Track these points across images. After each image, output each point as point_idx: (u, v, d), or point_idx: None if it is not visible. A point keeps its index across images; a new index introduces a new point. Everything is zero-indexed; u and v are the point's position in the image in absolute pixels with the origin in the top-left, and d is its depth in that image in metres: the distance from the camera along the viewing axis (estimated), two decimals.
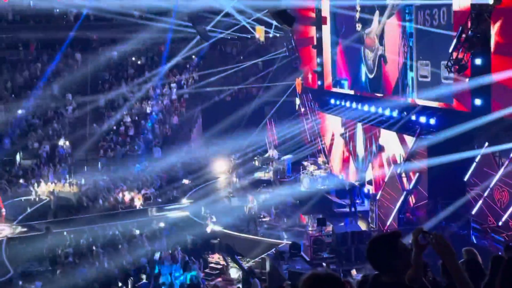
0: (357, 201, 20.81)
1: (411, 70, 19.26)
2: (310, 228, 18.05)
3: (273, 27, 28.20)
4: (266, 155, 26.58)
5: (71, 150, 28.44)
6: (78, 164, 27.76)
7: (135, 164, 27.22)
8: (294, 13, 22.80)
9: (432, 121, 17.52)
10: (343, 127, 24.25)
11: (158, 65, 32.53)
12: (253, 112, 29.98)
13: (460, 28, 14.87)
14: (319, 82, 26.09)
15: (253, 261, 18.15)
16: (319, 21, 25.40)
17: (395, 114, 19.77)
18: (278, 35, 30.87)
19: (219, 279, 17.25)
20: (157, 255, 17.60)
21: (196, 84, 32.75)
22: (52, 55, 32.47)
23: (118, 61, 33.81)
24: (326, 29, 25.20)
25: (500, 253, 7.70)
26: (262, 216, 20.73)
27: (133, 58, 34.33)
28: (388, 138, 20.35)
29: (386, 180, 18.58)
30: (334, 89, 25.31)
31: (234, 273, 17.74)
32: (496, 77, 14.74)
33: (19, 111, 30.08)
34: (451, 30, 16.36)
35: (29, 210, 23.53)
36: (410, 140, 18.32)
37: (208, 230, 19.97)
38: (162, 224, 20.84)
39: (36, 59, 33.00)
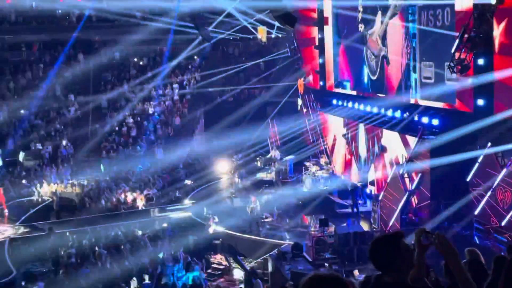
0: (360, 201, 20.81)
1: (414, 71, 19.16)
2: (312, 229, 18.05)
3: (275, 27, 28.22)
4: (268, 155, 26.58)
5: (74, 151, 28.48)
6: (80, 165, 27.80)
7: (137, 164, 27.24)
8: (296, 13, 22.79)
9: (435, 122, 17.51)
10: (345, 127, 24.24)
11: (160, 66, 32.56)
12: (255, 112, 29.98)
13: (463, 28, 14.86)
14: (321, 83, 26.09)
15: (255, 261, 18.14)
16: (321, 22, 25.40)
17: (397, 114, 19.76)
18: (280, 35, 30.91)
19: (222, 279, 17.24)
20: (159, 256, 17.61)
21: (198, 84, 32.77)
22: (54, 56, 32.55)
23: (120, 62, 33.88)
24: (328, 29, 25.20)
25: (502, 253, 7.70)
26: (264, 217, 20.72)
27: (135, 59, 34.38)
28: (390, 138, 20.34)
29: (388, 180, 18.56)
30: (336, 90, 25.30)
31: (237, 273, 17.72)
32: (498, 75, 14.72)
33: (22, 112, 30.15)
34: (455, 31, 16.31)
35: (31, 210, 23.56)
36: (412, 140, 18.30)
37: (211, 230, 19.97)
38: (164, 225, 20.84)
39: (39, 60, 33.08)
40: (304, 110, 27.88)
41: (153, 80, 32.02)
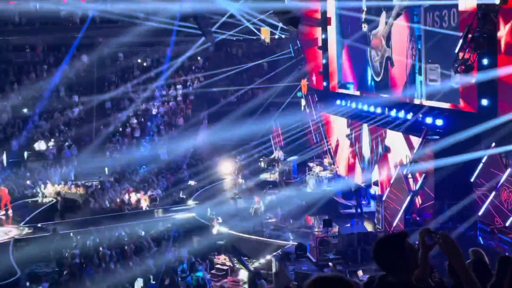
0: (363, 202, 20.77)
1: (420, 73, 19.00)
2: (316, 229, 18.04)
3: (279, 28, 28.23)
4: (272, 156, 26.58)
5: (77, 152, 28.55)
6: (84, 166, 27.88)
7: (141, 165, 27.29)
8: (300, 14, 22.79)
9: (439, 122, 17.47)
10: (348, 128, 24.21)
11: (165, 67, 32.61)
12: (258, 113, 29.98)
13: (466, 28, 14.83)
14: (324, 83, 26.07)
15: (259, 262, 18.14)
16: (325, 22, 25.38)
17: (401, 114, 19.71)
18: (283, 36, 30.91)
19: (226, 280, 17.25)
20: (163, 256, 17.64)
21: (202, 85, 32.82)
22: (58, 57, 32.64)
23: (124, 63, 33.96)
24: (332, 30, 25.17)
25: (507, 254, 7.68)
26: (268, 218, 20.72)
27: (139, 60, 34.44)
28: (394, 139, 20.31)
29: (392, 181, 18.53)
30: (340, 90, 25.26)
31: (242, 274, 17.73)
32: (502, 75, 14.68)
33: (26, 113, 30.26)
34: (459, 31, 16.23)
35: (36, 211, 23.63)
36: (416, 141, 18.27)
37: (214, 231, 19.98)
38: (168, 226, 20.86)
39: (43, 61, 33.17)
40: (308, 110, 27.86)
41: (156, 80, 32.08)
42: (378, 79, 22.07)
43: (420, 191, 17.59)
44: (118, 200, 23.84)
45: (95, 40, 32.11)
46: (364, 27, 22.59)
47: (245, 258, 18.69)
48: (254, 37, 30.83)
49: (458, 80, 16.26)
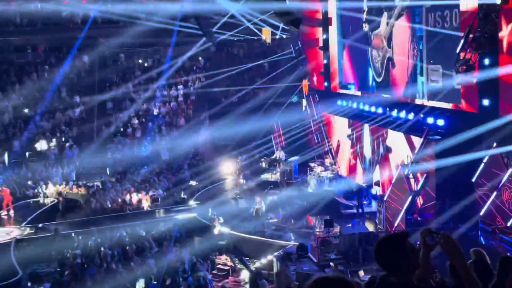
0: (365, 202, 20.78)
1: (421, 74, 18.96)
2: (317, 229, 18.04)
3: (280, 29, 28.23)
4: (273, 156, 26.59)
5: (79, 152, 28.58)
6: (85, 166, 27.92)
7: (143, 165, 27.32)
8: (301, 14, 22.79)
9: (440, 122, 17.47)
10: (350, 128, 24.21)
11: (166, 67, 32.64)
12: (260, 113, 29.97)
13: (468, 28, 14.83)
14: (325, 83, 26.07)
15: (260, 262, 18.14)
16: (326, 23, 25.39)
17: (402, 115, 19.71)
18: (284, 36, 30.91)
19: (227, 280, 17.25)
20: (165, 257, 17.65)
21: (203, 85, 32.83)
22: (60, 57, 32.67)
23: (125, 63, 34.00)
24: (333, 30, 25.17)
25: (508, 254, 7.68)
26: (269, 218, 20.73)
27: (140, 60, 34.47)
28: (395, 139, 20.30)
29: (393, 181, 18.53)
30: (341, 91, 25.26)
31: (244, 274, 17.73)
32: (503, 75, 14.68)
33: (27, 113, 30.30)
34: (460, 31, 16.20)
35: (37, 211, 23.65)
36: (417, 141, 18.26)
37: (216, 231, 19.99)
38: (170, 226, 20.87)
39: (44, 61, 33.21)
40: (309, 110, 27.86)
41: (157, 81, 32.11)
42: (379, 80, 22.06)
43: (422, 191, 17.59)
44: (119, 200, 23.87)
45: (96, 40, 32.13)
46: (365, 27, 22.58)
47: (246, 258, 18.69)
48: (255, 38, 30.84)
49: (459, 81, 16.26)
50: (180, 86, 33.00)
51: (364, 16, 22.54)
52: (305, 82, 27.92)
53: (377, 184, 21.42)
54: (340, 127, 25.25)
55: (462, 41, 14.93)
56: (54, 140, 29.38)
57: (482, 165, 16.09)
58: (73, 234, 20.07)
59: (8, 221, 22.81)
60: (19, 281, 17.22)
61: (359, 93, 23.85)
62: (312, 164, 24.68)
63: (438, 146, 16.75)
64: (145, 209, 23.53)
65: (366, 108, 22.42)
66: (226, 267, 17.97)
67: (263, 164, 26.24)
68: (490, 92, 15.26)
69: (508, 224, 15.05)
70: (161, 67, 32.88)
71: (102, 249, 18.10)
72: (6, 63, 32.77)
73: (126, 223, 21.24)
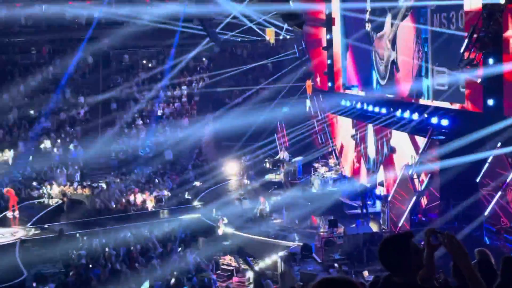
0: (369, 202, 20.75)
1: (427, 77, 18.86)
2: (321, 230, 18.03)
3: (284, 29, 28.25)
4: (277, 157, 26.59)
5: (83, 153, 28.65)
6: (90, 167, 28.01)
7: (147, 166, 27.36)
8: (304, 15, 22.79)
9: (444, 122, 17.42)
10: (354, 128, 24.18)
11: (169, 68, 32.71)
12: (264, 113, 29.96)
13: (472, 28, 14.79)
14: (329, 84, 26.05)
15: (264, 262, 18.15)
16: (329, 23, 25.37)
17: (406, 115, 19.67)
18: (288, 37, 30.93)
19: (232, 280, 17.26)
20: (169, 257, 17.67)
21: (207, 86, 32.87)
22: (64, 58, 32.75)
23: (129, 64, 34.07)
24: (336, 30, 25.14)
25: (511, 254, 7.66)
26: (273, 218, 20.73)
27: (144, 61, 34.54)
28: (399, 139, 20.27)
29: (397, 181, 18.50)
30: (344, 91, 25.23)
31: (248, 274, 17.74)
32: (508, 74, 14.64)
33: (32, 114, 30.39)
34: (464, 32, 16.10)
35: (42, 212, 23.73)
36: (422, 141, 18.22)
37: (220, 232, 20.00)
38: (174, 226, 20.89)
39: (49, 62, 33.31)
40: (313, 111, 27.85)
41: (161, 81, 32.16)
42: (383, 83, 21.95)
43: (426, 191, 17.55)
44: (123, 200, 23.92)
45: (100, 41, 32.21)
46: (368, 26, 22.52)
47: (250, 258, 18.70)
48: (259, 38, 30.86)
49: (464, 78, 16.21)
50: (184, 87, 33.05)
51: (367, 16, 22.47)
52: (308, 83, 27.91)
53: (381, 184, 21.39)
54: (344, 128, 25.23)
55: (466, 40, 14.89)
56: (58, 140, 29.45)
57: (486, 165, 16.04)
58: (77, 235, 20.12)
59: (13, 221, 22.90)
60: (24, 281, 17.27)
61: (362, 93, 23.80)
62: (316, 165, 24.67)
63: (443, 148, 16.69)
64: (149, 209, 23.57)
65: (370, 108, 22.39)
66: (231, 268, 17.97)
67: (267, 165, 26.24)
68: (495, 92, 15.21)
69: None
70: (165, 68, 32.93)
71: (106, 249, 18.14)
72: (10, 64, 32.89)
73: (131, 223, 21.28)
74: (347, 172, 24.67)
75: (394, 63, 20.84)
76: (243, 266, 18.24)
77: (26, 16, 32.64)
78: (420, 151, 18.08)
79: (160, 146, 29.32)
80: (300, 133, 27.12)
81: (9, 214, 23.28)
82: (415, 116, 19.01)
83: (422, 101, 19.30)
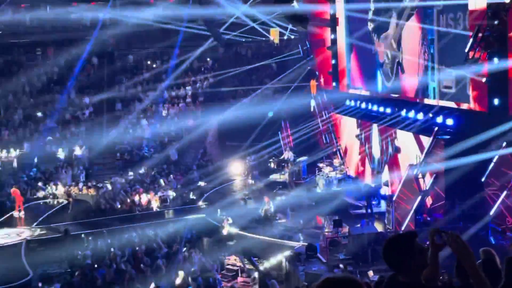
0: (373, 202, 20.73)
1: (433, 79, 18.80)
2: (326, 230, 18.02)
3: (288, 29, 28.23)
4: (282, 157, 26.58)
5: (89, 153, 28.72)
6: (95, 167, 28.09)
7: (152, 166, 27.40)
8: (309, 15, 22.77)
9: (449, 122, 17.38)
10: (358, 128, 24.15)
11: (173, 68, 32.75)
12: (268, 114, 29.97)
13: (477, 27, 14.75)
14: (334, 84, 26.02)
15: (269, 262, 18.15)
16: (334, 23, 25.34)
17: (411, 115, 19.63)
18: (292, 37, 30.90)
19: (236, 280, 17.27)
20: (174, 257, 17.69)
21: (211, 86, 32.90)
22: (69, 59, 32.83)
23: (134, 65, 34.14)
24: (340, 30, 25.10)
25: None
26: (278, 218, 20.73)
27: (149, 62, 34.61)
28: (404, 139, 20.23)
29: (402, 181, 18.47)
30: (349, 91, 25.18)
31: (253, 274, 17.75)
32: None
33: (37, 115, 30.49)
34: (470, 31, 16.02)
35: (48, 212, 23.81)
36: (427, 141, 18.18)
37: (224, 232, 20.02)
38: (179, 226, 20.93)
39: (54, 63, 33.39)
40: (317, 111, 27.83)
41: (165, 82, 32.21)
42: (388, 84, 21.82)
43: (431, 191, 17.52)
44: (128, 201, 23.97)
45: (105, 42, 32.28)
46: (370, 25, 22.46)
47: (255, 258, 18.70)
48: (263, 38, 30.86)
49: (469, 78, 16.15)
50: (188, 87, 33.08)
51: (370, 15, 22.39)
52: (313, 82, 27.88)
53: (386, 184, 21.36)
54: (349, 127, 25.19)
55: (471, 40, 14.85)
56: (64, 141, 29.53)
57: (491, 165, 16.00)
58: (83, 235, 20.18)
59: (19, 222, 22.99)
60: (29, 281, 17.34)
61: (367, 93, 23.73)
62: (320, 165, 24.66)
63: (448, 148, 16.63)
64: (154, 210, 23.62)
65: (375, 108, 22.35)
66: (235, 268, 17.98)
67: (272, 165, 26.24)
68: (500, 91, 15.17)
69: None
70: (169, 68, 32.97)
71: (112, 250, 18.19)
72: (15, 65, 33.00)
73: (136, 224, 21.33)
74: (352, 172, 24.64)
75: (399, 63, 20.74)
76: (248, 266, 18.26)
77: (31, 17, 32.74)
78: (425, 151, 18.05)
79: (164, 146, 29.37)
80: (305, 133, 27.10)
81: (15, 214, 23.41)
82: (420, 116, 18.96)
83: (427, 101, 19.24)
